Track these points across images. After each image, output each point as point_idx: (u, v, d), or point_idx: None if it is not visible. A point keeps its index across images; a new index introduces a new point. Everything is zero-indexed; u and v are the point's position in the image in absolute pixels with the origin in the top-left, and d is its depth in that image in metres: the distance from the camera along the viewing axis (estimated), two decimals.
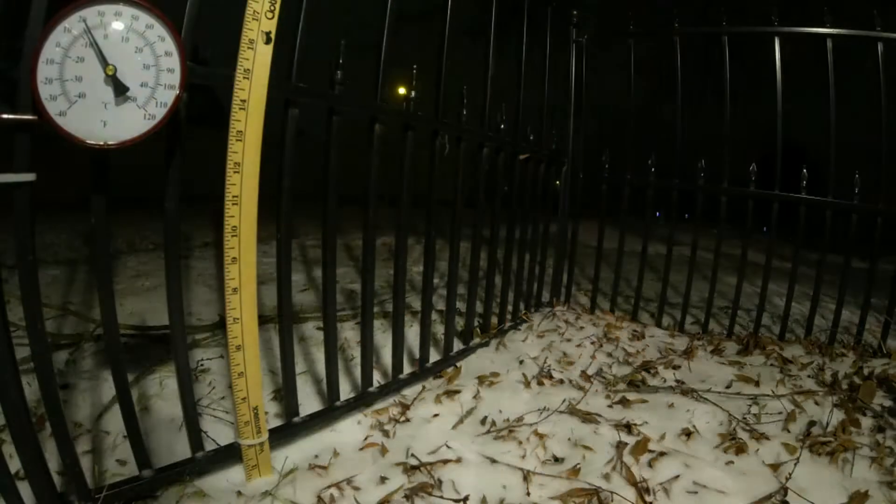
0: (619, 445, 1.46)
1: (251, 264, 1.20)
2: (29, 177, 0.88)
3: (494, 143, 2.14)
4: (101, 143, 0.91)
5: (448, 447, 1.44)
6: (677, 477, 1.34)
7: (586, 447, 1.47)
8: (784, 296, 2.61)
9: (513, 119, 2.30)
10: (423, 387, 1.77)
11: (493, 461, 1.40)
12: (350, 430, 1.51)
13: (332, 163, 1.43)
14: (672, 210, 2.72)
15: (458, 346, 2.11)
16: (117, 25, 0.91)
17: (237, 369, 1.21)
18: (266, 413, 1.32)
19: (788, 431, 1.58)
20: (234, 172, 1.13)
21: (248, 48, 1.11)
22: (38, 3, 0.86)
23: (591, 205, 3.00)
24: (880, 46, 2.36)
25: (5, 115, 0.84)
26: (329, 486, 1.25)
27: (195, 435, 1.25)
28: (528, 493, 1.29)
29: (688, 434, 1.55)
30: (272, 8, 1.12)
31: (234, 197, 1.14)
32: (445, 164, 1.83)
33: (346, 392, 1.63)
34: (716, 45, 2.61)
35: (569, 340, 2.36)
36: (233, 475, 1.28)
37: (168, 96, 0.98)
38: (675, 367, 2.10)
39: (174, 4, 1.06)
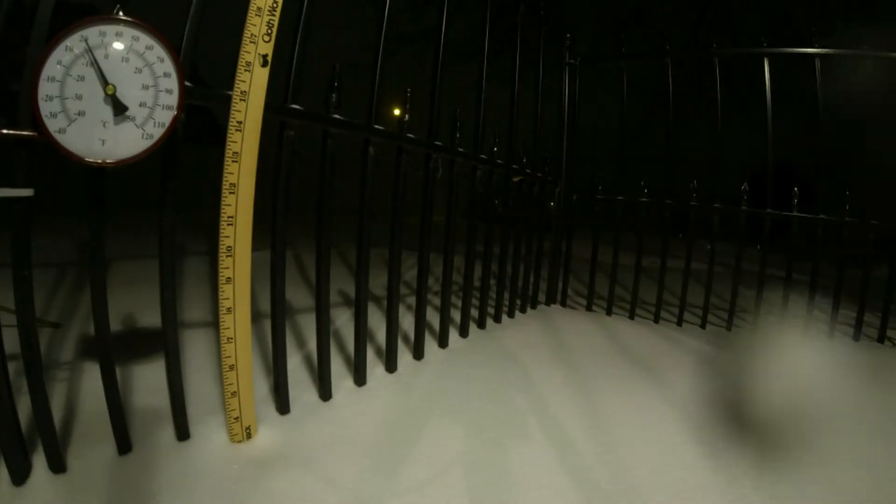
0: None
1: (246, 284, 1.20)
2: (27, 192, 0.89)
3: (487, 165, 2.16)
4: (100, 161, 0.92)
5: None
6: None
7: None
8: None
9: (506, 142, 2.32)
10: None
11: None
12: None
13: (327, 184, 1.44)
14: (665, 228, 2.75)
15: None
16: (118, 45, 0.93)
17: (230, 388, 1.21)
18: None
19: None
20: (230, 193, 1.14)
21: (245, 70, 1.13)
22: (41, 21, 0.88)
23: (585, 225, 3.03)
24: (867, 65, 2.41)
25: (5, 131, 0.85)
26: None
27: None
28: None
29: None
30: (269, 31, 1.14)
31: (229, 217, 1.15)
32: (441, 184, 1.85)
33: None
34: (707, 66, 2.67)
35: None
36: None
37: (166, 116, 0.99)
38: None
39: (174, 25, 1.09)
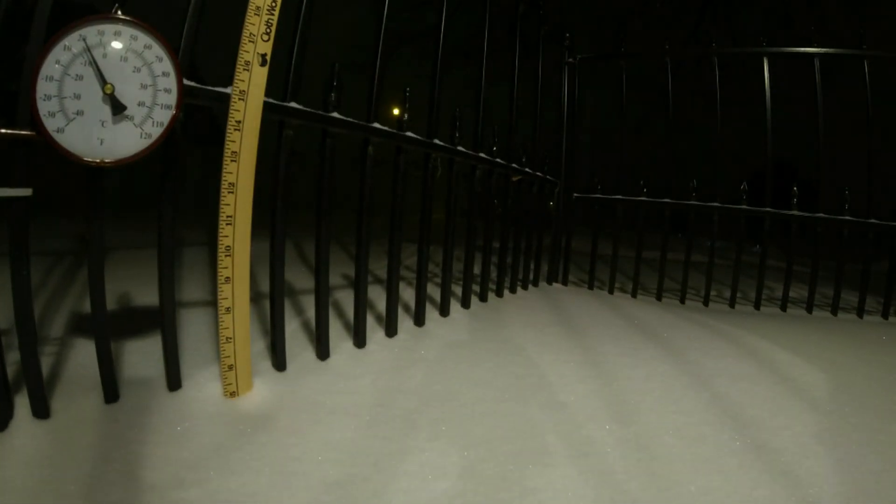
0: None
1: (245, 284, 1.20)
2: (25, 192, 0.89)
3: (487, 165, 2.16)
4: (98, 160, 0.92)
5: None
6: None
7: None
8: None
9: (506, 141, 2.32)
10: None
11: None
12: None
13: (326, 184, 1.44)
14: (665, 227, 2.76)
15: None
16: (116, 45, 0.93)
17: (229, 388, 1.21)
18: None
19: None
20: (229, 193, 1.14)
21: (244, 70, 1.13)
22: (40, 21, 0.88)
23: (585, 223, 3.03)
24: (866, 64, 2.42)
25: (3, 130, 0.85)
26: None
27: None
28: None
29: None
30: (268, 31, 1.14)
31: (227, 217, 1.14)
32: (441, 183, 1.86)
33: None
34: (707, 65, 2.67)
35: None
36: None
37: (165, 116, 0.99)
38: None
39: (172, 24, 1.09)
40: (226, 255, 1.16)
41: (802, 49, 2.48)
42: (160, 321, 1.19)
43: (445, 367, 1.54)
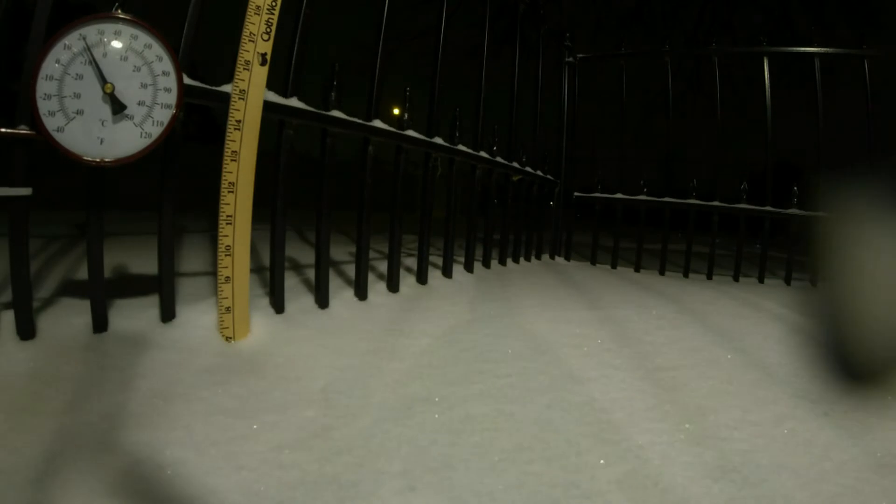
0: None
1: (244, 283, 1.20)
2: (25, 191, 0.89)
3: (487, 164, 2.16)
4: (98, 159, 0.92)
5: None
6: None
7: None
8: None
9: (506, 140, 2.32)
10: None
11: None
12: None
13: (326, 184, 1.44)
14: (665, 226, 2.76)
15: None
16: (116, 44, 0.93)
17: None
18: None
19: None
20: (229, 192, 1.14)
21: (244, 69, 1.13)
22: (40, 20, 0.88)
23: (586, 219, 3.04)
24: (866, 64, 2.42)
25: (3, 130, 0.85)
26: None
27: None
28: None
29: None
30: (268, 30, 1.14)
31: (227, 216, 1.14)
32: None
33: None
34: (706, 65, 2.68)
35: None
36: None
37: (165, 115, 0.99)
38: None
39: (172, 24, 1.09)
40: (226, 255, 1.15)
41: (802, 49, 2.48)
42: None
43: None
